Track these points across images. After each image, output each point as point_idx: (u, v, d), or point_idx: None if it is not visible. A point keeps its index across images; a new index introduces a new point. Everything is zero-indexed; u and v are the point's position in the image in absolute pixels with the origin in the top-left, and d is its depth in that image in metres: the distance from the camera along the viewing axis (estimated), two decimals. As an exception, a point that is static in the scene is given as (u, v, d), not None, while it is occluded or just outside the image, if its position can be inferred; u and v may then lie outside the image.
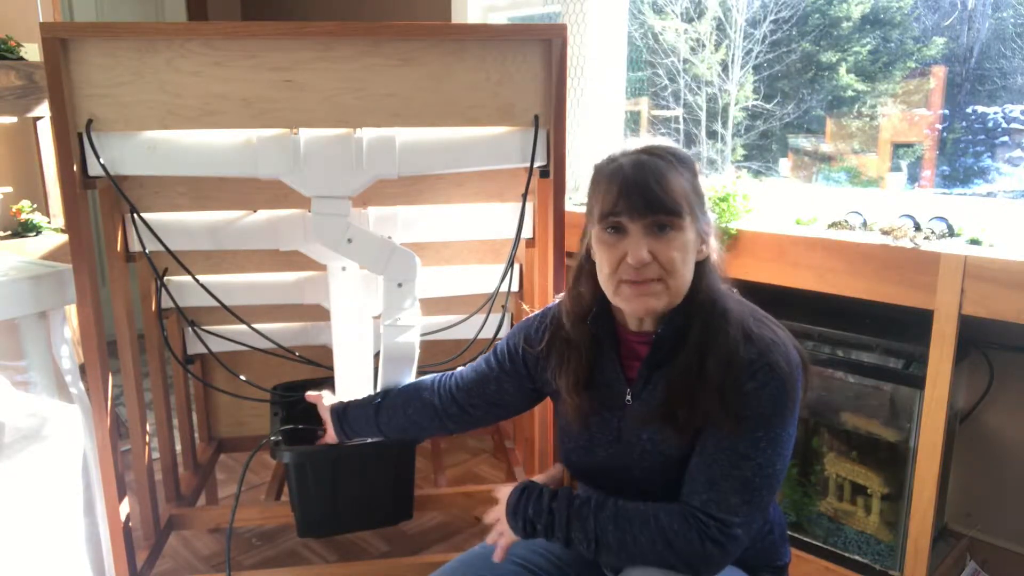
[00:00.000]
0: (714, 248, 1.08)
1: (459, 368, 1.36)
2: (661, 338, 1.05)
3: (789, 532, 1.77)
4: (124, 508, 1.56)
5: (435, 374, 1.39)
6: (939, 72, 1.86)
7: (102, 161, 1.39)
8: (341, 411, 1.42)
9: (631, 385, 1.10)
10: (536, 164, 1.53)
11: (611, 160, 1.05)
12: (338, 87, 1.43)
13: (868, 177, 2.01)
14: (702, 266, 1.06)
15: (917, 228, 1.60)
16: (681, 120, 2.34)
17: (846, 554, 1.74)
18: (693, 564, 0.99)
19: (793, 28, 2.07)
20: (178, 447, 1.96)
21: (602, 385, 1.12)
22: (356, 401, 1.43)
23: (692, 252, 1.03)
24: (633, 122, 2.43)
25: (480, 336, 1.76)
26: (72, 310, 1.51)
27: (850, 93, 2.02)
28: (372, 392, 1.58)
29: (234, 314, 1.67)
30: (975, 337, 1.61)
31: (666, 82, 2.34)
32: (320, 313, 1.83)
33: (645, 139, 1.07)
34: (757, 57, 2.15)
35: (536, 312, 1.27)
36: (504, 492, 1.13)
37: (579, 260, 1.14)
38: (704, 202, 1.07)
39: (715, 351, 1.01)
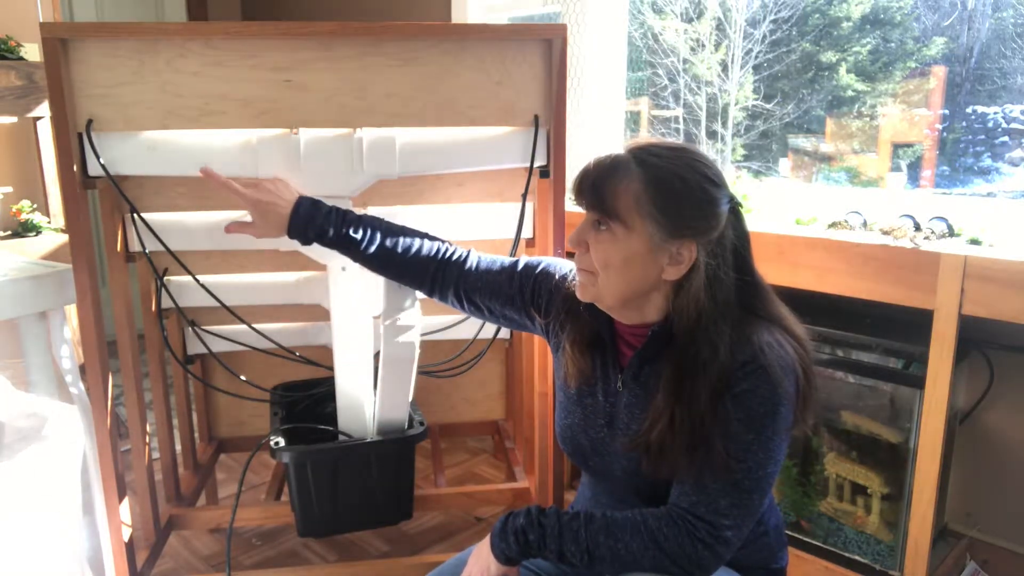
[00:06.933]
0: (700, 273, 1.01)
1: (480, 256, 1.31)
2: (656, 334, 1.06)
3: (789, 532, 1.77)
4: (124, 508, 1.56)
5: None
6: (939, 72, 1.86)
7: (102, 161, 1.39)
8: (310, 203, 1.30)
9: (623, 373, 1.11)
10: (536, 164, 1.53)
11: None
12: (338, 87, 1.43)
13: (868, 177, 2.01)
14: (681, 285, 1.02)
15: (917, 228, 1.60)
16: (681, 120, 2.34)
17: (846, 554, 1.74)
18: (685, 567, 0.99)
19: (793, 28, 2.07)
20: (178, 447, 1.95)
21: (597, 366, 1.14)
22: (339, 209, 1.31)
23: (636, 262, 1.01)
24: (633, 122, 2.43)
25: (480, 336, 1.76)
26: (72, 310, 1.51)
27: (850, 93, 2.02)
28: (372, 393, 1.58)
29: (234, 314, 1.67)
30: (975, 337, 1.61)
31: (666, 82, 2.34)
32: (320, 313, 1.82)
33: (648, 138, 1.07)
34: (757, 57, 2.15)
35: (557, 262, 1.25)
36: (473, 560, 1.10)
37: None
38: (684, 223, 0.99)
39: (705, 354, 1.00)
